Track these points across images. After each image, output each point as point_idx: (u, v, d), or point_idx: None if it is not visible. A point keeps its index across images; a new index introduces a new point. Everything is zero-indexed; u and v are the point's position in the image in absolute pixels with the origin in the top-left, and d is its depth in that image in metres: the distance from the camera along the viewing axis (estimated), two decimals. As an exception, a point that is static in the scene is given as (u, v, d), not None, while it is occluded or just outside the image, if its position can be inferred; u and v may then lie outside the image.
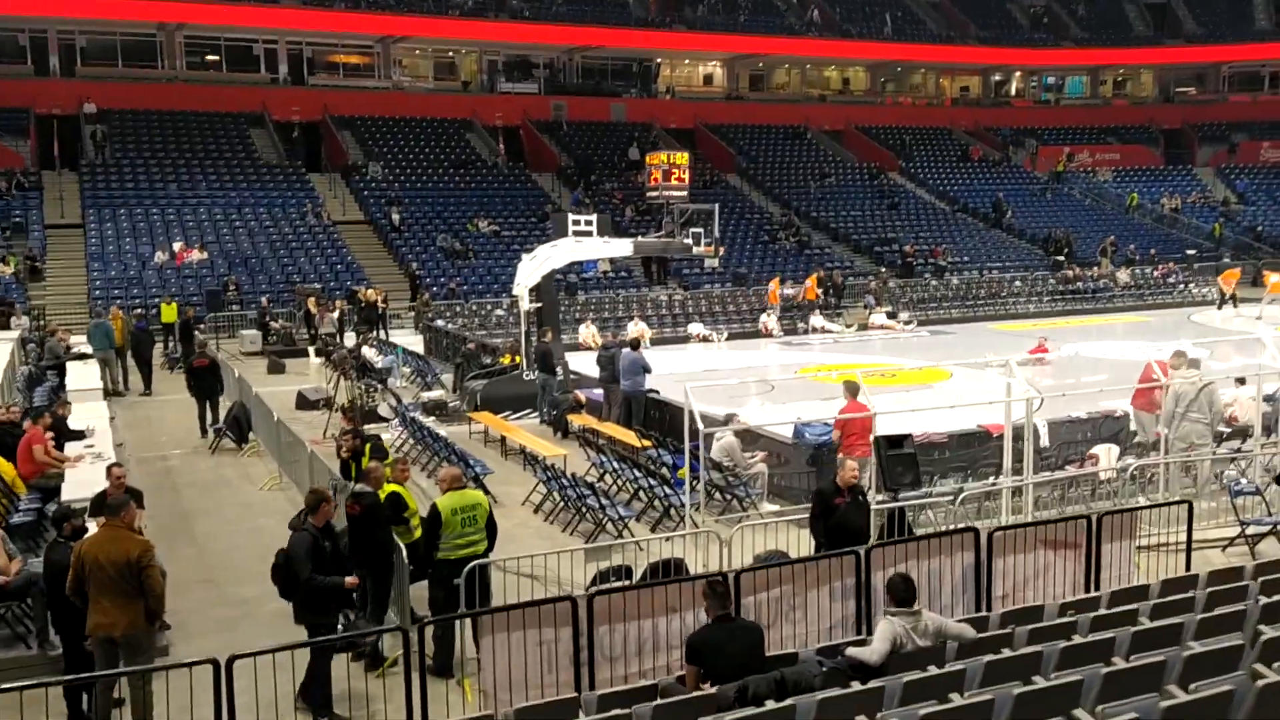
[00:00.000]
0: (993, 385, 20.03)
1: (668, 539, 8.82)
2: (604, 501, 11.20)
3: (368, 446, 10.56)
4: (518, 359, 19.53)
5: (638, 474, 12.45)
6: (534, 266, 18.42)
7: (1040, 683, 4.96)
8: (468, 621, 7.83)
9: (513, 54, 46.38)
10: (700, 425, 9.89)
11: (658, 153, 19.51)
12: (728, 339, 27.44)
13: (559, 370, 17.46)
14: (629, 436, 14.35)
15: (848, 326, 29.00)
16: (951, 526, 9.93)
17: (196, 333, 22.72)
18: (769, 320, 28.61)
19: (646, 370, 15.60)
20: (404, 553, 8.44)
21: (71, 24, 38.45)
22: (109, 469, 9.19)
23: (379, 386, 18.30)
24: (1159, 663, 5.01)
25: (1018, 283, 34.23)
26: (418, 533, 9.14)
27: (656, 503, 11.98)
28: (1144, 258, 38.89)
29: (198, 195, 35.07)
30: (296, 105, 42.01)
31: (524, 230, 36.29)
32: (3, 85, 36.95)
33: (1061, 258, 37.70)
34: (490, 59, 46.24)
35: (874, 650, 5.80)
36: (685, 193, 19.64)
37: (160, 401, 20.09)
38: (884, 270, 34.46)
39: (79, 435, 12.99)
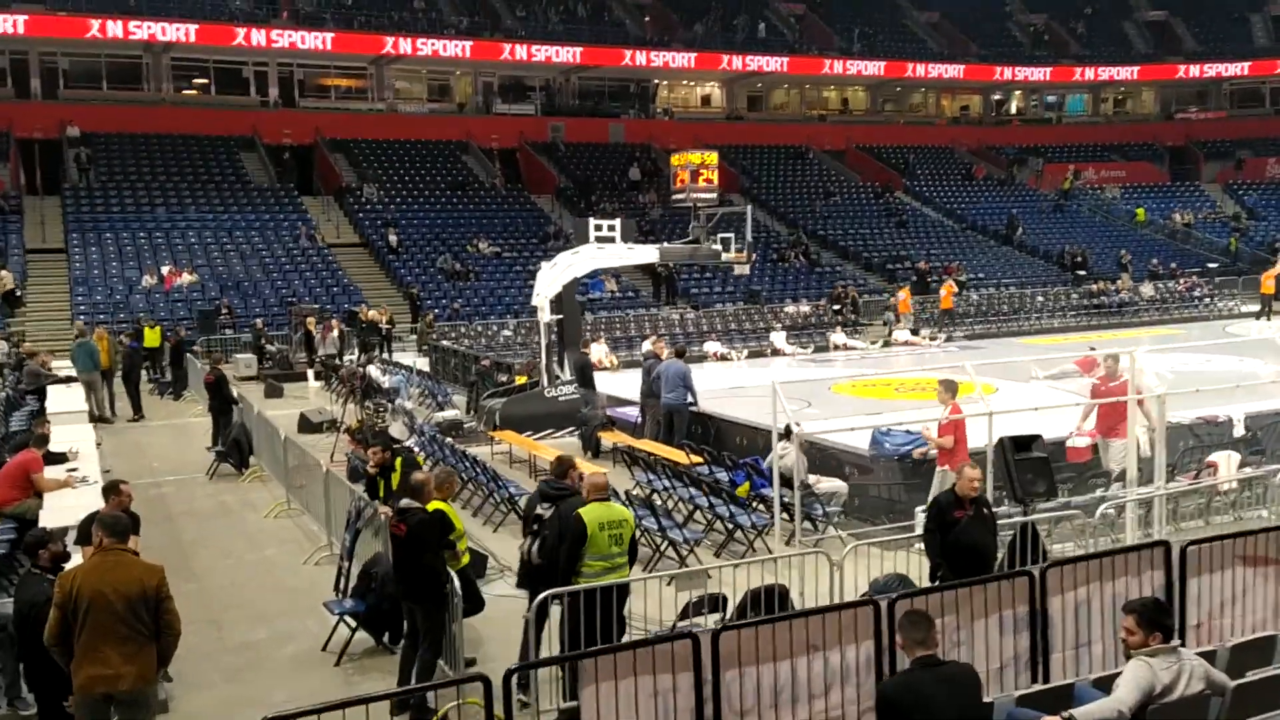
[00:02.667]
0: (1045, 397, 18.79)
1: (765, 561, 7.40)
2: (664, 523, 9.78)
3: (398, 461, 9.13)
4: (533, 378, 18.19)
5: (694, 492, 11.05)
6: (555, 275, 17.06)
7: None
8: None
9: (508, 75, 45.37)
10: (795, 427, 8.48)
11: (684, 153, 18.24)
12: (747, 357, 26.13)
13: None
14: (674, 454, 12.93)
15: (872, 343, 27.70)
16: (1080, 544, 8.57)
17: (189, 355, 21.22)
18: (777, 339, 27.37)
19: (689, 386, 14.18)
20: (455, 582, 7.00)
21: (53, 45, 37.15)
22: (117, 485, 7.75)
23: (388, 406, 16.86)
24: None
25: (1039, 298, 33.09)
26: (465, 559, 7.73)
27: (720, 524, 10.58)
28: (1165, 271, 37.88)
29: (187, 219, 33.70)
30: (288, 128, 40.80)
31: (525, 251, 35.15)
32: (-20, 108, 35.64)
33: (1083, 272, 36.61)
34: (485, 80, 45.21)
35: (1121, 701, 4.39)
36: (714, 195, 18.34)
37: (150, 427, 18.63)
38: (904, 286, 33.25)
39: (60, 458, 11.53)
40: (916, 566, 8.12)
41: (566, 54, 43.47)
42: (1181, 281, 35.85)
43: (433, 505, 7.45)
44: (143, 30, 36.64)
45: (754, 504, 10.88)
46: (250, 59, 40.31)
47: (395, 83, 44.18)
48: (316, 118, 41.08)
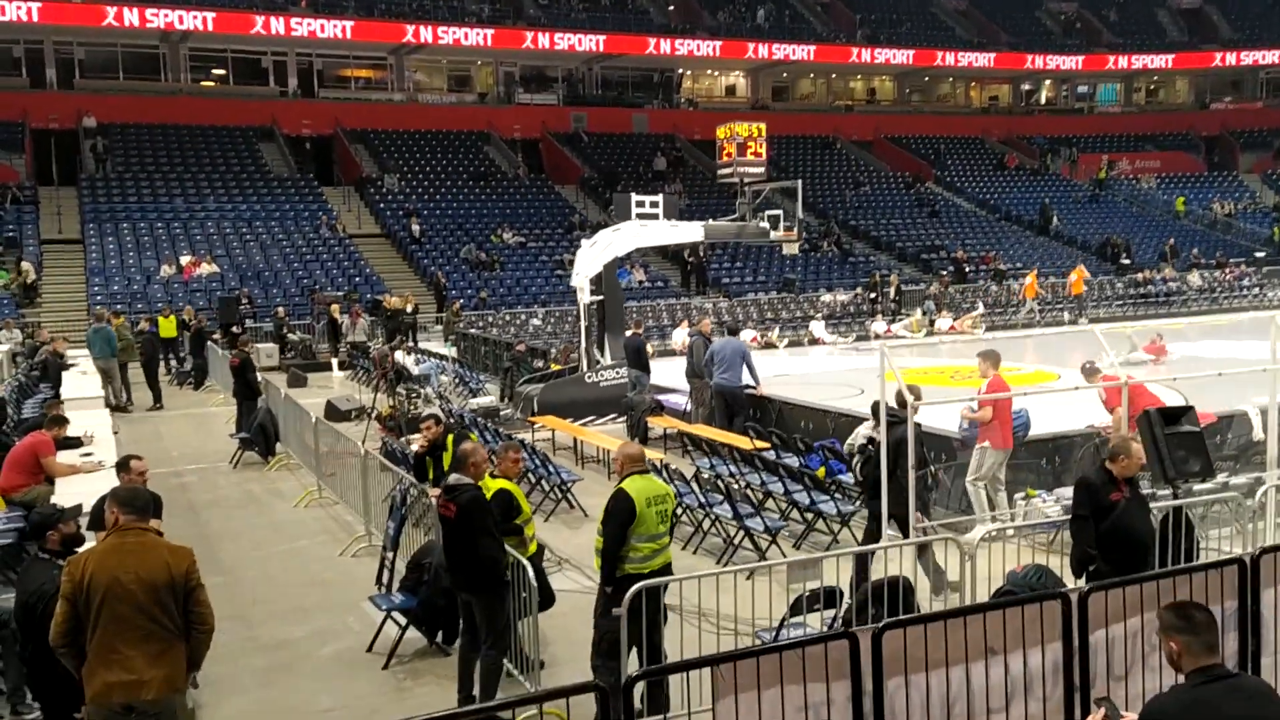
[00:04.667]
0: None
1: (885, 549, 6.41)
2: (745, 509, 8.80)
3: (450, 438, 8.17)
4: (570, 363, 17.26)
5: (767, 477, 10.06)
6: (595, 254, 16.09)
7: None
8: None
9: (530, 65, 44.46)
10: (909, 398, 7.47)
11: (730, 124, 17.24)
12: (786, 346, 25.16)
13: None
14: (734, 438, 11.92)
15: (917, 331, 26.65)
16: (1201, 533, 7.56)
17: (210, 343, 20.35)
18: (816, 328, 26.52)
19: (748, 362, 13.16)
20: (529, 572, 6.04)
21: (68, 34, 36.39)
22: (128, 461, 6.84)
23: (420, 393, 15.94)
24: None
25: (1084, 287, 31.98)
26: (534, 546, 6.76)
27: (798, 512, 9.59)
28: (1207, 261, 36.73)
29: (205, 209, 32.94)
30: (307, 119, 40.07)
31: (550, 241, 34.31)
32: (-3, 98, 34.92)
33: (1127, 261, 35.47)
34: (507, 70, 44.31)
35: None
36: (762, 169, 17.35)
37: (169, 416, 17.76)
38: (944, 275, 32.19)
39: (75, 443, 10.64)
40: (1029, 556, 7.13)
41: (589, 42, 42.57)
42: (1229, 271, 34.65)
43: (497, 484, 6.51)
44: (159, 18, 35.83)
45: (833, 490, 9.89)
46: (269, 48, 39.52)
47: (415, 74, 43.37)
48: (336, 108, 40.31)
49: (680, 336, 24.38)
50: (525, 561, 6.14)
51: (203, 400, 19.46)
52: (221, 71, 40.08)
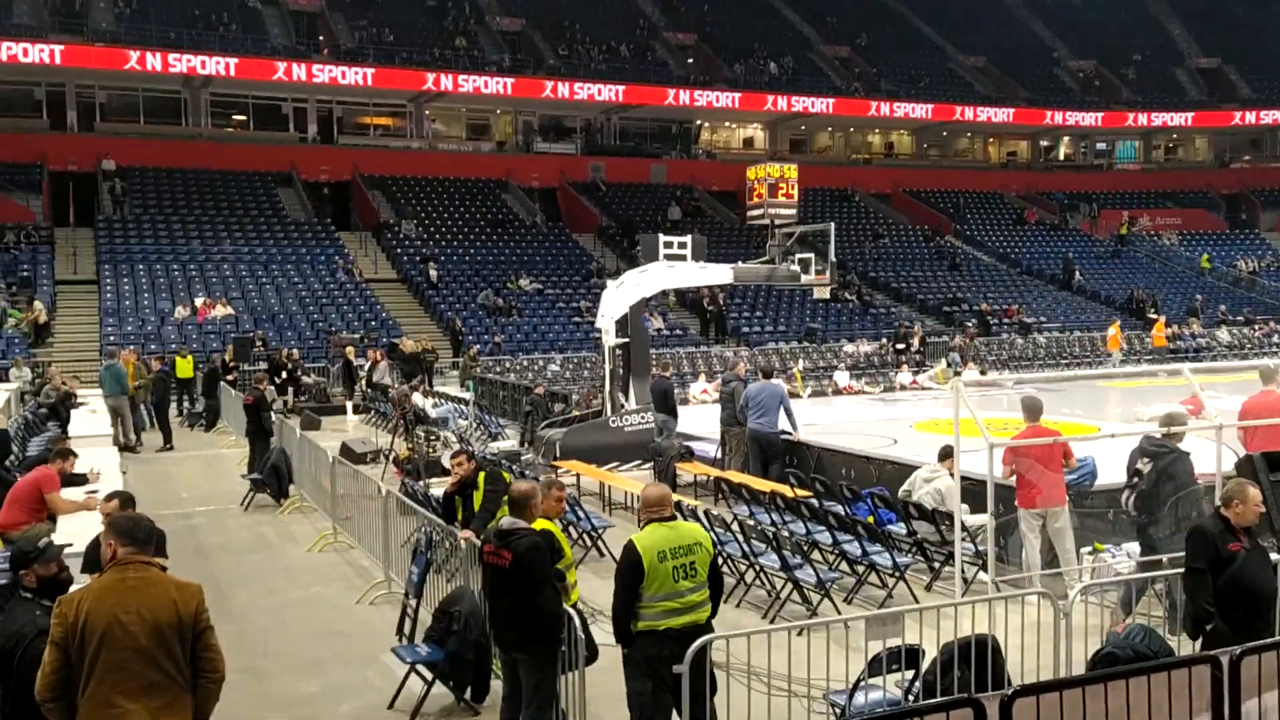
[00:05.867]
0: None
1: (973, 604, 5.78)
2: (794, 559, 8.17)
3: (481, 476, 7.59)
4: (592, 407, 16.70)
5: (814, 527, 9.44)
6: (621, 295, 15.59)
7: None
8: None
9: (549, 115, 44.52)
10: (988, 439, 6.87)
11: (760, 165, 16.88)
12: (810, 395, 24.56)
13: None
14: (772, 486, 11.29)
15: (941, 383, 26.05)
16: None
17: (224, 382, 19.88)
18: (841, 378, 26.05)
19: (786, 407, 12.58)
20: (575, 622, 5.43)
21: (91, 77, 36.51)
22: (119, 494, 6.27)
23: (438, 435, 15.38)
24: None
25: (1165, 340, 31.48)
26: (575, 594, 6.15)
27: (846, 563, 8.96)
28: (1234, 317, 36.17)
29: (222, 252, 32.71)
30: (325, 165, 40.06)
31: (568, 288, 33.94)
32: (14, 139, 34.88)
33: (1154, 316, 34.94)
34: (526, 119, 44.36)
35: None
36: (794, 211, 16.88)
37: (179, 457, 17.21)
38: (969, 326, 31.68)
39: (80, 480, 10.10)
40: (1097, 615, 6.48)
41: (608, 93, 42.60)
42: (1258, 328, 34.06)
43: (539, 524, 5.91)
44: (182, 63, 35.97)
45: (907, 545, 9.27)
46: (290, 94, 39.62)
47: (434, 122, 43.42)
48: (354, 154, 40.30)
49: (698, 390, 23.91)
50: (572, 611, 5.54)
51: (214, 442, 18.95)
52: (242, 117, 40.18)
